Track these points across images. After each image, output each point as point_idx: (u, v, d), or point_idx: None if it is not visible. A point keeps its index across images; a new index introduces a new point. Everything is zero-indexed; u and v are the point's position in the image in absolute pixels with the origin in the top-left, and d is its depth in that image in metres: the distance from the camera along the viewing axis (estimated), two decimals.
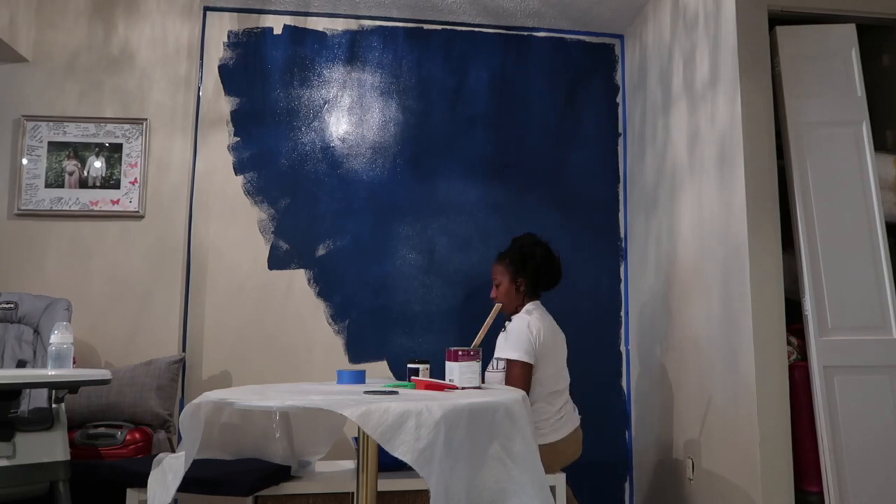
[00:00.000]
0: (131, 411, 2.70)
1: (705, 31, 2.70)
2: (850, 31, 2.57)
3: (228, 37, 3.31)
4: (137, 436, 2.60)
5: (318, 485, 2.39)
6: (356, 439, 1.88)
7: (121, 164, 3.06)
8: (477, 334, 2.23)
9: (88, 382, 2.11)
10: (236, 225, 3.21)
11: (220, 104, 3.26)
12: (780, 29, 2.58)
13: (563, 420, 2.50)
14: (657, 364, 3.07)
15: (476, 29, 3.49)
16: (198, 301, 3.13)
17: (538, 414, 2.45)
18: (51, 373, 2.08)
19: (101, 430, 2.57)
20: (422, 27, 3.46)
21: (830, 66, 2.55)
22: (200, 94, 3.25)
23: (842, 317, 2.37)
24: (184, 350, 3.07)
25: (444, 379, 1.94)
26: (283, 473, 2.42)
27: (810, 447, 2.32)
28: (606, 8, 3.33)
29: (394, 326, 3.25)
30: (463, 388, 1.87)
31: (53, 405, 2.22)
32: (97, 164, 3.05)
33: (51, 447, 2.15)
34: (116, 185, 3.05)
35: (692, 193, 2.77)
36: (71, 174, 3.03)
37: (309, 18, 3.38)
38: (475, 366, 1.91)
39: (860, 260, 2.40)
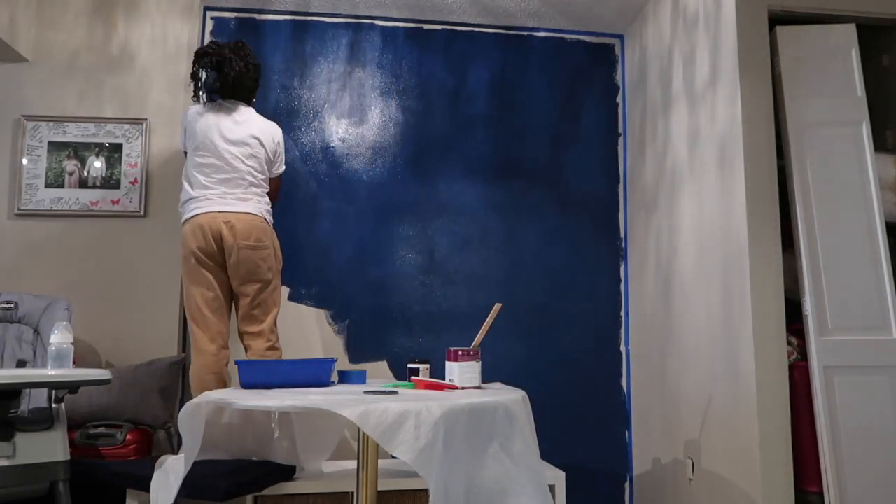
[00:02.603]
0: (133, 412, 2.70)
1: (705, 31, 2.70)
2: (850, 31, 2.57)
3: (229, 37, 3.30)
4: (137, 436, 2.60)
5: (318, 485, 2.39)
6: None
7: (121, 164, 3.06)
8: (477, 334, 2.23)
9: (88, 382, 2.10)
10: None
11: None
12: (780, 29, 2.58)
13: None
14: (657, 364, 3.07)
15: (476, 29, 3.49)
16: None
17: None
18: (51, 373, 2.08)
19: (101, 430, 2.57)
20: (422, 27, 3.45)
21: (830, 66, 2.55)
22: None
23: (842, 317, 2.37)
24: (184, 350, 3.07)
25: (443, 379, 1.95)
26: (268, 478, 2.28)
27: (810, 447, 2.32)
28: (606, 8, 3.33)
29: (394, 326, 3.25)
30: (463, 388, 1.88)
31: (53, 405, 2.22)
32: (97, 164, 3.05)
33: (51, 447, 2.15)
34: (116, 185, 3.05)
35: (692, 193, 2.77)
36: (71, 174, 3.03)
37: (309, 18, 3.38)
38: (475, 366, 1.91)
39: (860, 260, 2.40)
